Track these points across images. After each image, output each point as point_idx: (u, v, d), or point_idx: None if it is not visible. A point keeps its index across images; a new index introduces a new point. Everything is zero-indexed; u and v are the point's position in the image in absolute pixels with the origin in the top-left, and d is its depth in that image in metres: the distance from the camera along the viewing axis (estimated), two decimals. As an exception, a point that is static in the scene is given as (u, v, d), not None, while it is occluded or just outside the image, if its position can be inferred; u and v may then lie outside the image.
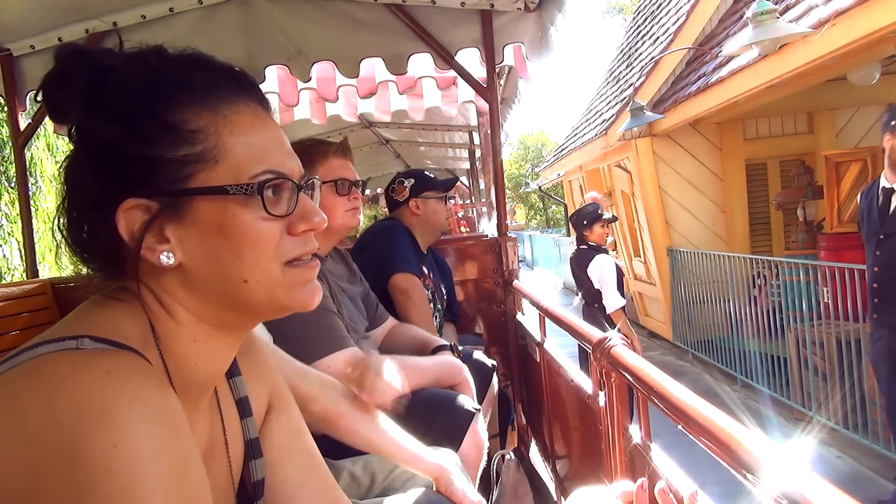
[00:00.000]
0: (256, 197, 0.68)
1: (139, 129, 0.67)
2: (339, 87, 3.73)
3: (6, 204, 5.55)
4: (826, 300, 4.95)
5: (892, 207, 3.14)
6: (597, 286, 4.49)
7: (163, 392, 0.60)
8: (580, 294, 4.80)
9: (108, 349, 0.62)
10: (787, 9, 5.02)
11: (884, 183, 3.20)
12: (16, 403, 0.55)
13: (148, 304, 0.70)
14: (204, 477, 0.61)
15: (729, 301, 6.55)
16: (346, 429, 1.31)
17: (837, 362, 4.66)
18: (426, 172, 2.67)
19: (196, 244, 0.68)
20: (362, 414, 1.33)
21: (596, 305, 4.52)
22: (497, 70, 2.98)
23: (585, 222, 4.65)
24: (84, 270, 0.73)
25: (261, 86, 0.82)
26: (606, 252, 4.67)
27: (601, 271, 4.49)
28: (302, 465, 0.90)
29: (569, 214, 4.74)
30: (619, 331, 3.82)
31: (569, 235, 12.29)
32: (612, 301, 4.47)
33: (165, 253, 0.68)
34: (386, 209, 3.04)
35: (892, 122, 3.13)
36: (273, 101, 3.71)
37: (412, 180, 2.59)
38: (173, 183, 0.67)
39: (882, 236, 3.19)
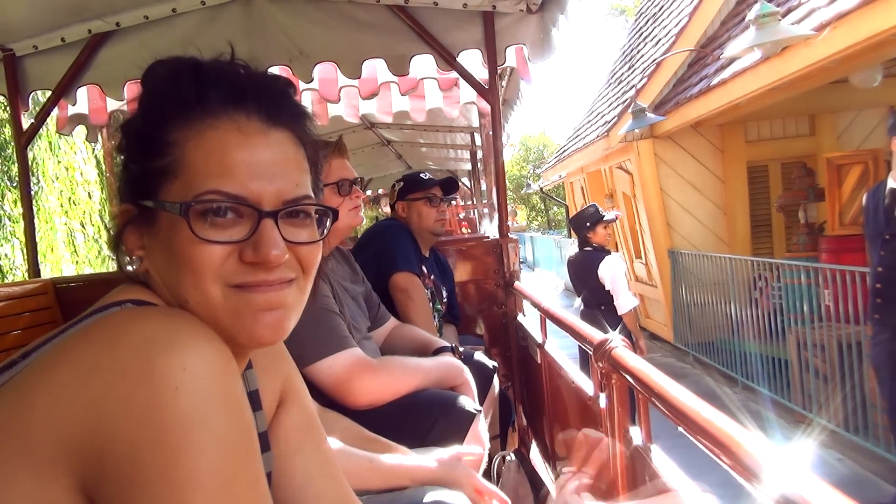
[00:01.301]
0: (189, 216, 0.65)
1: (132, 143, 0.71)
2: (341, 87, 3.73)
3: (8, 203, 5.56)
4: (827, 302, 4.95)
5: None
6: (608, 287, 4.46)
7: (216, 335, 0.62)
8: (581, 296, 4.77)
9: (156, 306, 0.67)
10: (788, 11, 5.02)
11: (891, 184, 3.20)
12: (75, 353, 0.57)
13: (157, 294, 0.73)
14: (250, 408, 0.63)
15: (730, 303, 6.54)
16: None
17: (838, 364, 4.66)
18: (421, 174, 2.67)
19: (158, 255, 0.70)
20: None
21: (602, 307, 4.48)
22: (499, 71, 2.98)
23: (588, 224, 4.63)
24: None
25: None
26: (610, 253, 4.66)
27: (614, 272, 4.47)
28: (310, 461, 0.90)
29: (569, 217, 4.71)
30: (629, 330, 3.82)
31: (569, 237, 12.29)
32: (626, 301, 4.46)
33: (136, 258, 0.71)
34: (387, 209, 3.05)
35: None
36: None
37: (401, 183, 2.62)
38: (143, 193, 0.69)
39: (887, 237, 3.18)
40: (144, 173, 0.69)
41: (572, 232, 4.67)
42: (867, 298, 4.37)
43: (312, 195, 0.72)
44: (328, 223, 0.75)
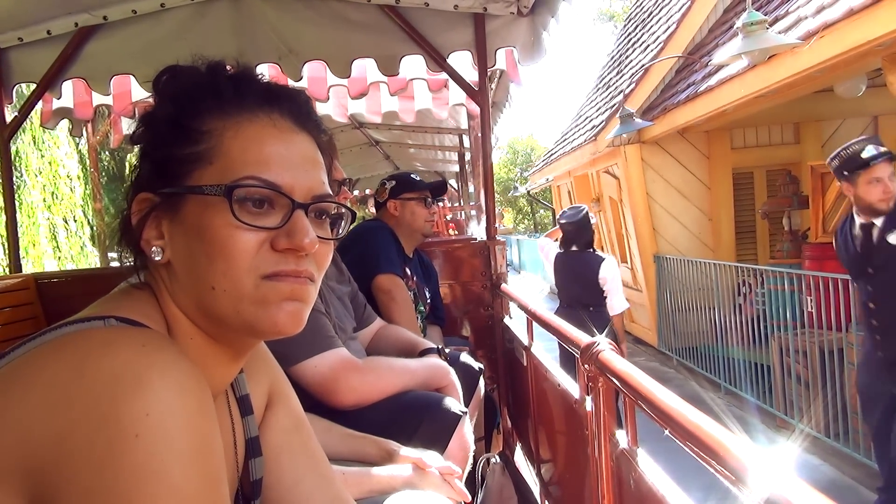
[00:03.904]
0: (227, 201, 0.66)
1: (163, 132, 0.71)
2: (331, 86, 3.72)
3: (-10, 197, 5.48)
4: (810, 309, 5.00)
5: (874, 239, 2.98)
6: (605, 288, 4.53)
7: (192, 367, 0.61)
8: (567, 296, 4.77)
9: (138, 327, 0.65)
10: (776, 20, 5.07)
11: (860, 220, 3.04)
12: (45, 374, 0.56)
13: (158, 296, 0.72)
14: (222, 453, 0.62)
15: (714, 308, 6.59)
16: None
17: (820, 371, 4.71)
18: (412, 175, 2.67)
19: (181, 243, 0.69)
20: None
21: (591, 308, 4.53)
22: (489, 73, 2.98)
23: (592, 227, 4.70)
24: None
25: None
26: (605, 256, 4.75)
27: (614, 274, 4.56)
28: (299, 462, 0.89)
29: (566, 221, 4.72)
30: (616, 331, 3.84)
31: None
32: (620, 303, 4.56)
33: (156, 248, 0.70)
34: (373, 210, 3.04)
35: (844, 172, 2.95)
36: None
37: (393, 182, 2.61)
38: (172, 180, 0.69)
39: (871, 271, 3.05)
40: (173, 160, 0.69)
41: (570, 233, 4.67)
42: (849, 306, 4.42)
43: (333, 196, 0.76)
44: (343, 225, 0.78)
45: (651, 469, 1.04)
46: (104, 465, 0.52)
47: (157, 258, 0.70)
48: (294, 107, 0.74)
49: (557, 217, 4.85)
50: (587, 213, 4.73)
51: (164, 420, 0.54)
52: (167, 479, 0.53)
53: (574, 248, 4.66)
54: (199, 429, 0.57)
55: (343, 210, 0.77)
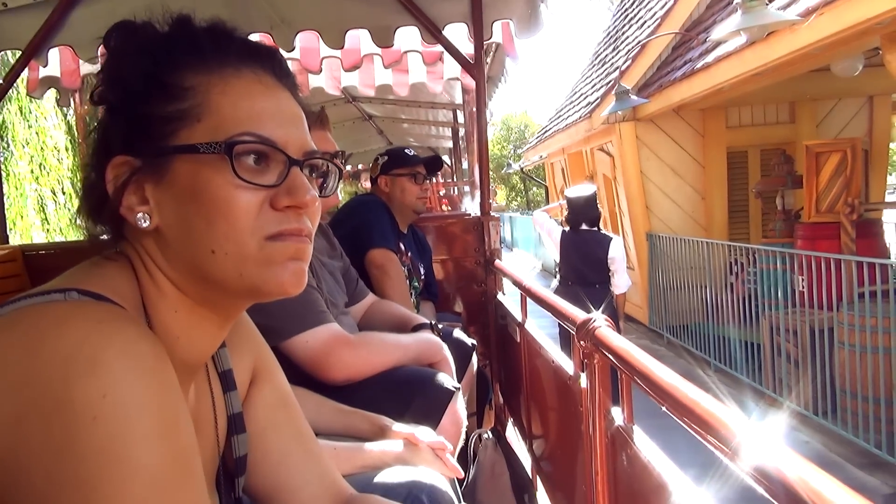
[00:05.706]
0: (227, 159, 0.63)
1: (139, 89, 0.67)
2: (323, 58, 3.66)
3: (-24, 168, 5.40)
4: (801, 288, 5.02)
5: None
6: (613, 267, 4.61)
7: (154, 344, 0.58)
8: (571, 273, 4.77)
9: (99, 302, 0.61)
10: (775, -4, 5.02)
11: None
12: (2, 348, 0.54)
13: (136, 268, 0.68)
14: (192, 431, 0.60)
15: (706, 287, 6.62)
16: None
17: (810, 349, 4.74)
18: (406, 150, 2.64)
19: (171, 207, 0.66)
20: None
21: (597, 285, 4.59)
22: (484, 47, 2.93)
23: (598, 205, 4.73)
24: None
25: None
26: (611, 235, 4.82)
27: (621, 253, 4.65)
28: (285, 438, 0.87)
29: (576, 197, 4.75)
30: (619, 307, 3.91)
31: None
32: (626, 282, 4.68)
33: (142, 214, 0.66)
34: (367, 185, 3.01)
35: None
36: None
37: (386, 157, 2.58)
38: (155, 140, 0.65)
39: None
40: (155, 119, 0.66)
41: (580, 211, 4.68)
42: (840, 285, 4.45)
43: None
44: (331, 182, 0.76)
45: (647, 446, 1.03)
46: (63, 451, 0.50)
47: (143, 224, 0.66)
48: (274, 63, 0.71)
49: (565, 194, 4.86)
50: (596, 191, 4.76)
51: (122, 401, 0.52)
52: (131, 461, 0.51)
53: (583, 227, 4.68)
54: (161, 407, 0.55)
55: (331, 166, 0.75)
